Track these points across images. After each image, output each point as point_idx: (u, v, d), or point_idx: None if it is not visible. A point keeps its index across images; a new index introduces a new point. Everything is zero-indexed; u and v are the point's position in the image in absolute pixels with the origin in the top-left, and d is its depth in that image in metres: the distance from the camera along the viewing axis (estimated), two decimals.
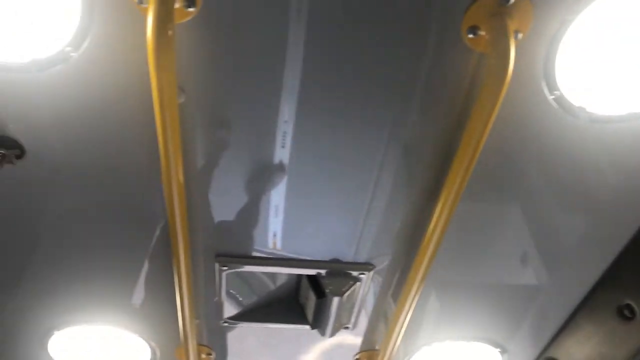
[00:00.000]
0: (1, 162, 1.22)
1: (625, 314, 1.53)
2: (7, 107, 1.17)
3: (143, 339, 1.84)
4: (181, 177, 1.24)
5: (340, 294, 1.57)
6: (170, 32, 0.98)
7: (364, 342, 1.93)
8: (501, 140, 1.29)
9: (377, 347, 1.93)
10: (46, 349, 1.84)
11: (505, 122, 1.24)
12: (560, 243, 1.59)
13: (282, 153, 1.32)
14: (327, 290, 1.56)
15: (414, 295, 1.56)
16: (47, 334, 1.78)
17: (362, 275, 1.58)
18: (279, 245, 1.54)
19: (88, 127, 1.22)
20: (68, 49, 1.07)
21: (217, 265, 1.54)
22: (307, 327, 1.72)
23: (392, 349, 1.76)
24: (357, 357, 1.98)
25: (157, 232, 1.50)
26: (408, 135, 1.30)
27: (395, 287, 1.69)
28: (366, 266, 1.58)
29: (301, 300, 1.73)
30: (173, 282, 1.56)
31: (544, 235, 1.56)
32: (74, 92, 1.15)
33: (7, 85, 1.13)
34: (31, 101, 1.16)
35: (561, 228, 1.55)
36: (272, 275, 1.70)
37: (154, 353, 1.90)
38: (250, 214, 1.46)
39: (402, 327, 1.68)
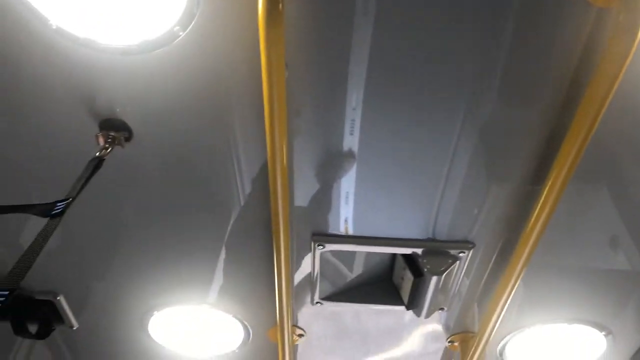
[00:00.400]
0: (111, 144, 1.26)
1: None
2: (117, 90, 1.21)
3: (237, 319, 1.87)
4: (285, 159, 1.24)
5: (439, 273, 1.53)
6: (280, 6, 0.97)
7: (457, 325, 1.88)
8: (621, 113, 1.19)
9: (471, 330, 1.88)
10: (146, 329, 1.91)
11: (626, 95, 1.14)
12: None
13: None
14: (425, 269, 1.52)
15: (517, 278, 1.50)
16: (148, 314, 1.85)
17: (461, 254, 1.53)
18: (373, 223, 1.52)
19: (194, 108, 1.24)
20: (176, 28, 1.09)
21: (313, 244, 1.54)
22: (402, 307, 1.69)
23: (491, 332, 1.70)
24: (451, 339, 1.93)
25: (254, 214, 1.51)
26: (487, 115, 1.24)
27: (493, 268, 1.63)
28: (465, 244, 1.53)
29: (395, 280, 1.70)
30: (270, 264, 1.57)
31: None
32: (181, 72, 1.17)
33: (117, 67, 1.16)
34: (140, 83, 1.19)
35: None
36: (366, 256, 1.68)
37: (247, 333, 1.93)
38: (340, 196, 1.45)
39: (502, 309, 1.62)
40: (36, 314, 1.78)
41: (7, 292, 0.93)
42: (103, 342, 2.04)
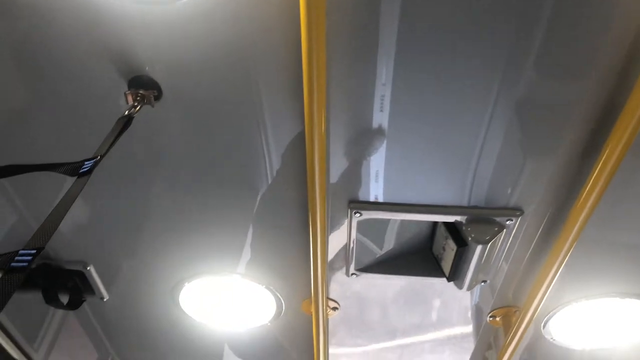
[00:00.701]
0: (140, 102, 1.20)
1: None
2: (146, 45, 1.14)
3: (270, 291, 1.82)
4: (324, 124, 1.16)
5: (484, 242, 1.44)
6: None
7: (500, 299, 1.79)
8: None
9: (515, 305, 1.79)
10: (177, 301, 1.87)
11: None
12: None
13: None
14: (469, 238, 1.43)
15: (567, 250, 1.41)
16: (178, 285, 1.80)
17: (508, 222, 1.44)
18: (412, 190, 1.43)
19: (224, 67, 1.16)
20: None
21: (349, 212, 1.46)
22: (443, 279, 1.61)
23: (537, 306, 1.61)
24: (492, 314, 1.84)
25: (288, 182, 1.44)
26: (522, 87, 1.15)
27: (541, 239, 1.53)
28: (513, 212, 1.43)
29: (436, 251, 1.61)
30: (304, 233, 1.51)
31: None
32: (213, 25, 1.09)
33: (146, 19, 1.09)
34: (170, 37, 1.12)
35: None
36: (405, 225, 1.60)
37: (279, 305, 1.88)
38: (378, 162, 1.36)
39: (550, 283, 1.52)
40: (67, 285, 1.76)
41: (34, 252, 0.88)
42: (133, 314, 2.01)
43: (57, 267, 1.71)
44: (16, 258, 0.87)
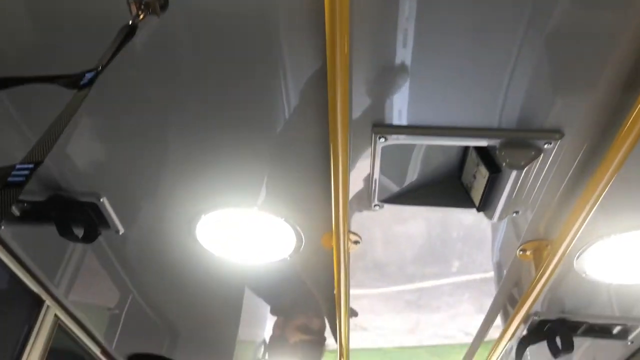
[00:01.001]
0: (144, 11, 1.09)
1: None
2: None
3: (289, 224, 1.75)
4: (347, 44, 1.05)
5: (520, 167, 1.33)
6: None
7: (531, 232, 1.70)
8: None
9: (547, 237, 1.69)
10: (194, 234, 1.81)
11: None
12: None
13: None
14: (503, 163, 1.32)
15: (609, 179, 1.29)
16: (195, 218, 1.74)
17: (547, 145, 1.32)
18: (441, 112, 1.32)
19: None
20: None
21: (373, 137, 1.36)
22: (472, 210, 1.52)
23: (571, 240, 1.51)
24: (523, 248, 1.75)
25: (307, 107, 1.34)
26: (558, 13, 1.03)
27: (580, 167, 1.42)
28: (553, 134, 1.31)
29: (465, 180, 1.52)
30: (324, 161, 1.42)
31: None
32: None
33: None
34: None
35: None
36: (433, 152, 1.49)
37: (299, 239, 1.81)
38: (404, 81, 1.24)
39: (586, 215, 1.42)
40: (81, 217, 1.71)
41: (31, 166, 0.80)
42: (151, 249, 1.97)
43: (69, 199, 1.66)
44: (13, 173, 0.79)
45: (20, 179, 0.80)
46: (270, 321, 2.49)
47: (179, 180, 1.63)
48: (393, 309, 2.39)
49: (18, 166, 0.81)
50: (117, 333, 2.70)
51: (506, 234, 1.73)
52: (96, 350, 2.71)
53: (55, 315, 2.33)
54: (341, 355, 2.35)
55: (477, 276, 2.08)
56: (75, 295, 2.37)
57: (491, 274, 2.05)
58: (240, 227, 1.80)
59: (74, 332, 2.49)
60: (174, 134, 1.48)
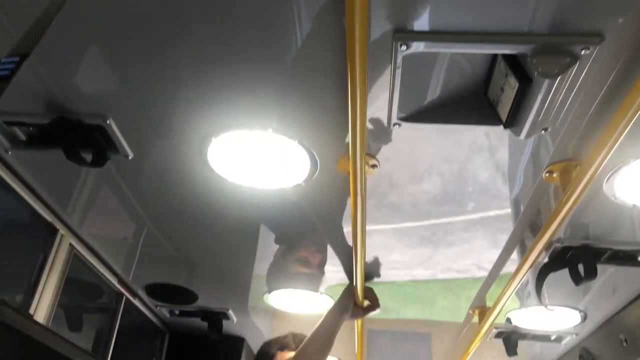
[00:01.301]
0: None
1: None
2: None
3: (304, 147, 1.67)
4: None
5: (553, 76, 1.22)
6: None
7: (559, 152, 1.60)
8: None
9: (576, 158, 1.60)
10: (205, 158, 1.75)
11: None
12: None
13: None
14: (535, 72, 1.21)
15: None
16: (205, 140, 1.67)
17: (584, 52, 1.20)
18: (467, 16, 1.20)
19: None
20: None
21: (394, 44, 1.25)
22: (499, 126, 1.42)
23: (602, 160, 1.41)
24: (549, 169, 1.66)
25: (323, 19, 1.23)
26: None
27: (618, 78, 1.30)
28: (591, 38, 1.19)
29: (492, 94, 1.41)
30: (340, 76, 1.32)
31: None
32: None
33: None
34: None
35: None
36: (457, 64, 1.39)
37: (314, 163, 1.74)
38: None
39: (621, 134, 1.32)
40: (88, 140, 1.65)
41: (17, 59, 0.73)
42: (159, 173, 1.92)
43: (75, 120, 1.59)
44: None
45: (6, 72, 0.73)
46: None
47: (187, 102, 1.55)
48: (408, 244, 2.35)
49: (3, 60, 0.74)
50: (134, 263, 2.72)
51: (532, 155, 1.64)
52: (113, 280, 2.74)
53: (70, 245, 2.33)
54: (355, 286, 2.33)
55: (491, 214, 2.04)
56: (90, 224, 2.36)
57: (508, 210, 2.00)
58: (253, 151, 1.73)
59: (90, 262, 2.51)
60: (184, 55, 1.39)
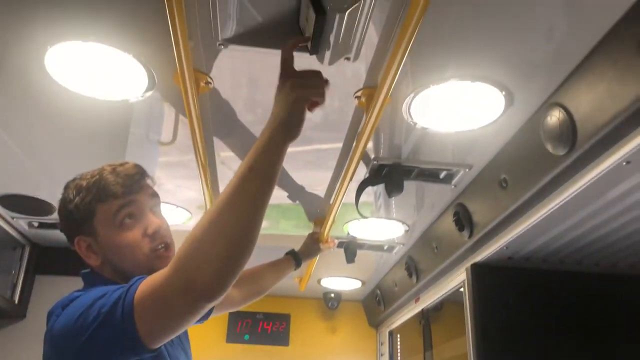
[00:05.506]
0: None
1: None
2: None
3: (140, 62, 1.80)
4: None
5: (342, 10, 1.45)
6: None
7: (366, 79, 1.88)
8: None
9: (375, 85, 1.88)
10: (43, 66, 1.81)
11: None
12: None
13: None
14: (327, 7, 1.44)
15: (415, 23, 1.45)
16: (41, 49, 1.74)
17: None
18: None
19: None
20: None
21: None
22: (306, 53, 1.64)
23: (389, 86, 1.70)
24: (358, 94, 1.94)
25: None
26: None
27: (403, 18, 1.56)
28: None
29: (301, 23, 1.62)
30: None
31: None
32: None
33: None
34: None
35: None
36: None
37: (151, 78, 1.88)
38: None
39: (400, 63, 1.60)
40: None
41: None
42: (5, 82, 1.95)
43: None
44: None
45: None
46: None
47: (21, 10, 1.60)
48: None
49: None
50: None
51: (346, 79, 1.90)
52: None
53: None
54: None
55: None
56: None
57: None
58: (91, 63, 1.82)
59: None
60: None
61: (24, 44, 1.73)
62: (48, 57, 1.77)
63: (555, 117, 1.78)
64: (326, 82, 1.33)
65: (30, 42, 1.72)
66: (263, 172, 1.20)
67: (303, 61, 1.72)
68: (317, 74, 1.32)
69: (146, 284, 1.20)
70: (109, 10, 1.61)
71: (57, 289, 1.75)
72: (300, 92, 1.27)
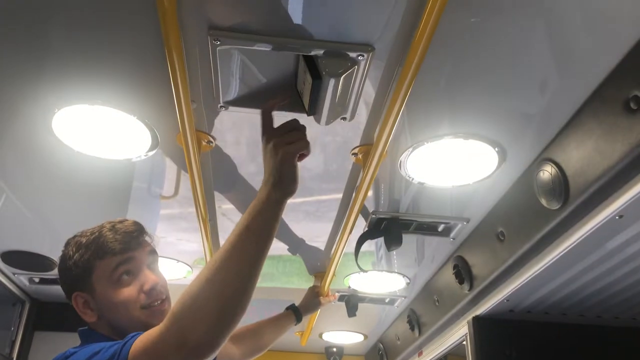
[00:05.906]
0: None
1: (630, 107, 1.47)
2: None
3: (144, 123, 1.86)
4: None
5: (337, 75, 1.52)
6: None
7: (362, 137, 1.93)
8: None
9: (371, 142, 1.94)
10: (51, 128, 1.88)
11: None
12: (569, 36, 1.48)
13: None
14: (323, 72, 1.51)
15: (409, 83, 1.52)
16: (49, 112, 1.81)
17: (360, 57, 1.52)
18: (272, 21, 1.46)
19: None
20: None
21: (209, 40, 1.49)
22: (304, 114, 1.70)
23: (386, 142, 1.76)
24: (355, 151, 2.00)
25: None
26: None
27: (397, 78, 1.64)
28: (365, 47, 1.51)
29: (299, 86, 1.69)
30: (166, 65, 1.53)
31: (553, 27, 1.45)
32: None
33: None
34: None
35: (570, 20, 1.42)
36: (270, 57, 1.64)
37: (155, 138, 1.94)
38: None
39: (394, 122, 1.66)
40: None
41: None
42: (8, 144, 2.02)
43: None
44: None
45: None
46: None
47: (34, 73, 1.68)
48: None
49: None
50: None
51: (343, 138, 1.96)
52: None
53: None
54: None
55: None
56: None
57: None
58: (97, 125, 1.88)
59: None
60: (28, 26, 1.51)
61: (33, 107, 1.80)
62: (55, 120, 1.84)
63: (547, 172, 1.82)
64: (304, 127, 1.41)
65: (39, 105, 1.79)
66: (259, 231, 1.24)
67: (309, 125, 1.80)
68: (295, 126, 1.39)
69: (141, 340, 1.22)
70: (114, 74, 1.69)
71: (55, 345, 1.75)
72: (285, 150, 1.32)
